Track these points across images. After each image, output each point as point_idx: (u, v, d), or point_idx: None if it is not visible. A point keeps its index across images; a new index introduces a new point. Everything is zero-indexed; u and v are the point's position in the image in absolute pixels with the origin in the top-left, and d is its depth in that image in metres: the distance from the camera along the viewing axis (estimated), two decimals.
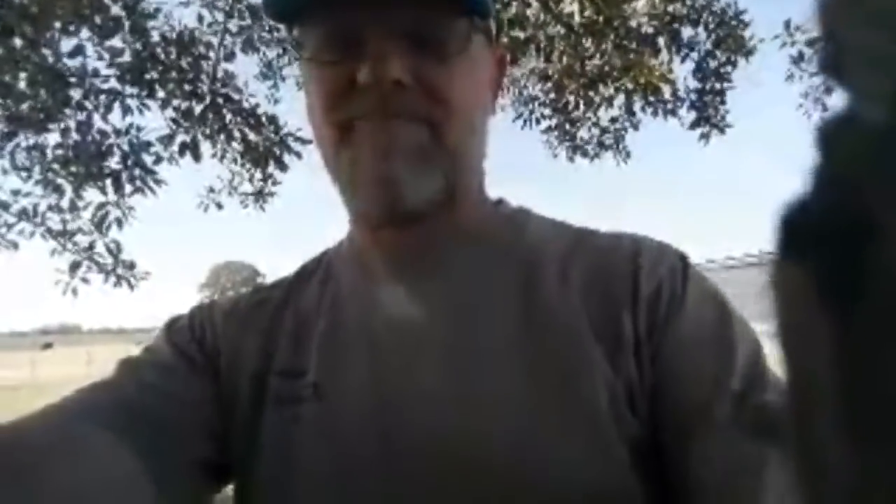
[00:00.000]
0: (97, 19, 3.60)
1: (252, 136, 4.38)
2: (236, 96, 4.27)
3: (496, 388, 0.48)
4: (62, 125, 4.17)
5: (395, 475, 0.47)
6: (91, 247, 4.36)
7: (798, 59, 5.10)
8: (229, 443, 0.53)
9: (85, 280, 4.35)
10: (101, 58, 3.86)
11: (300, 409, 0.52)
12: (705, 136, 5.21)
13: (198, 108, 4.13)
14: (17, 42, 3.57)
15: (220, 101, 4.17)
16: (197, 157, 4.14)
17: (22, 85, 3.80)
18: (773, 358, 0.47)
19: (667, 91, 5.07)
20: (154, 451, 0.46)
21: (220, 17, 4.36)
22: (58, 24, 3.63)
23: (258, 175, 4.66)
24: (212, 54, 4.24)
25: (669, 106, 5.22)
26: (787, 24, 5.03)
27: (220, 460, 0.53)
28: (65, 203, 4.34)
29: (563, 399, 0.47)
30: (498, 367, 0.49)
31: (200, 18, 4.36)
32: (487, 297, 0.53)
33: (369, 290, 0.57)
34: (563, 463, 0.45)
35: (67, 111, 4.09)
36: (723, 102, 5.16)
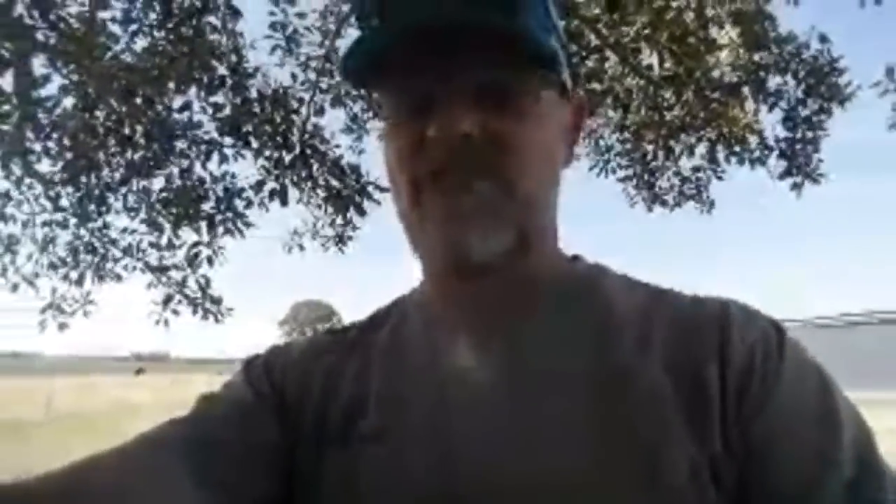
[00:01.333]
0: (204, 78, 4.00)
1: (335, 184, 4.62)
2: (323, 147, 4.55)
3: (564, 454, 0.46)
4: (167, 171, 4.61)
5: None
6: (183, 282, 4.70)
7: None
8: (292, 481, 0.54)
9: (175, 312, 4.67)
10: (204, 112, 4.26)
11: (361, 451, 0.52)
12: (797, 187, 4.92)
13: (287, 158, 4.43)
14: (138, 101, 4.02)
15: (309, 151, 4.46)
16: (285, 202, 4.42)
17: (138, 136, 4.26)
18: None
19: (753, 140, 4.88)
20: (223, 485, 0.48)
21: (311, 75, 4.71)
22: (171, 85, 4.06)
23: (339, 220, 4.88)
24: (303, 109, 4.56)
25: (756, 155, 5.00)
26: (891, 71, 4.72)
27: (283, 499, 0.53)
28: (163, 241, 4.74)
29: (639, 470, 0.44)
30: (567, 433, 0.47)
31: (294, 77, 4.75)
32: (559, 356, 0.51)
33: (437, 340, 0.57)
34: None
35: (172, 159, 4.52)
36: (816, 151, 4.88)
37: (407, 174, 0.52)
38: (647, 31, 4.11)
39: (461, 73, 0.48)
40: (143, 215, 4.82)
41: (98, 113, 4.20)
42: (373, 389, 0.55)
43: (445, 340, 0.56)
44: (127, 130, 4.21)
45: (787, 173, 4.95)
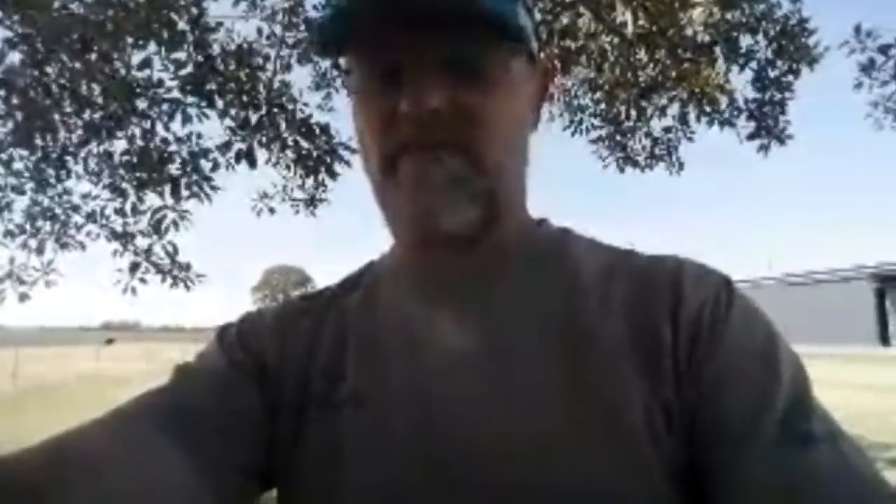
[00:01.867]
0: (164, 33, 3.80)
1: (305, 145, 4.51)
2: (291, 106, 4.41)
3: (536, 414, 0.49)
4: (129, 133, 4.43)
5: (436, 486, 0.48)
6: (149, 249, 4.58)
7: (868, 67, 4.83)
8: (274, 447, 0.55)
9: (143, 280, 4.57)
10: (166, 69, 4.07)
11: (341, 414, 0.53)
12: (764, 148, 5.00)
13: (254, 118, 4.29)
14: (93, 56, 3.81)
15: (276, 110, 4.32)
16: (252, 164, 4.30)
17: (96, 96, 4.05)
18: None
19: (723, 101, 4.91)
20: (205, 455, 0.48)
21: (277, 30, 4.53)
22: (129, 40, 3.85)
23: (310, 182, 4.78)
24: (269, 66, 4.40)
25: (726, 116, 5.05)
26: (857, 30, 4.78)
27: (266, 466, 0.54)
28: (127, 206, 4.59)
29: (601, 420, 0.47)
30: (538, 393, 0.49)
31: (259, 31, 4.56)
32: (529, 319, 0.54)
33: (410, 305, 0.58)
34: (598, 483, 0.45)
35: (134, 119, 4.33)
36: (783, 113, 4.94)
37: (378, 146, 0.52)
38: None
39: (429, 48, 0.48)
40: (105, 180, 4.65)
41: (49, 70, 3.97)
42: (350, 354, 0.57)
43: (418, 306, 0.58)
44: (83, 89, 4.00)
45: (755, 134, 5.02)
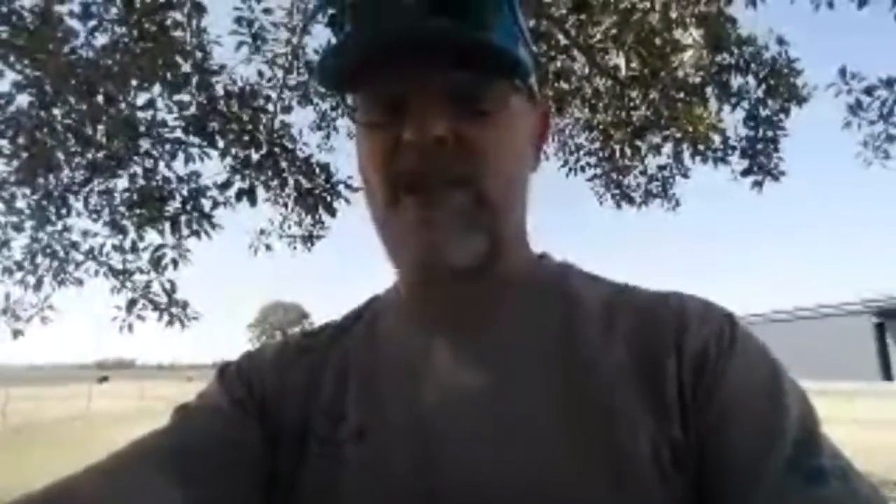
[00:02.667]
0: (168, 76, 3.90)
1: (305, 183, 4.56)
2: (291, 146, 4.49)
3: (537, 449, 0.48)
4: (131, 171, 4.48)
5: None
6: (148, 286, 4.58)
7: (855, 107, 4.95)
8: (273, 483, 0.54)
9: (140, 317, 4.55)
10: (169, 111, 4.16)
11: (342, 451, 0.52)
12: (758, 184, 5.08)
13: (255, 157, 4.35)
14: (99, 98, 3.90)
15: (277, 150, 4.39)
16: (253, 202, 4.34)
17: (99, 136, 4.12)
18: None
19: (716, 139, 5.01)
20: (205, 491, 0.48)
21: (279, 73, 4.65)
22: (134, 82, 3.94)
23: (308, 220, 4.83)
24: (270, 107, 4.49)
25: (719, 154, 5.14)
26: (843, 72, 4.91)
27: (266, 502, 0.54)
28: (127, 244, 4.61)
29: (606, 456, 0.46)
30: (537, 420, 0.49)
31: (261, 74, 4.68)
32: (529, 352, 0.53)
33: (411, 339, 0.58)
34: None
35: (136, 159, 4.40)
36: (776, 150, 5.04)
37: (382, 177, 0.53)
38: (613, 32, 4.18)
39: (434, 79, 0.49)
40: (105, 217, 4.68)
41: (56, 111, 4.05)
42: (351, 390, 0.56)
43: (420, 340, 0.57)
44: (88, 129, 4.07)
45: (748, 171, 5.10)
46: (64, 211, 4.60)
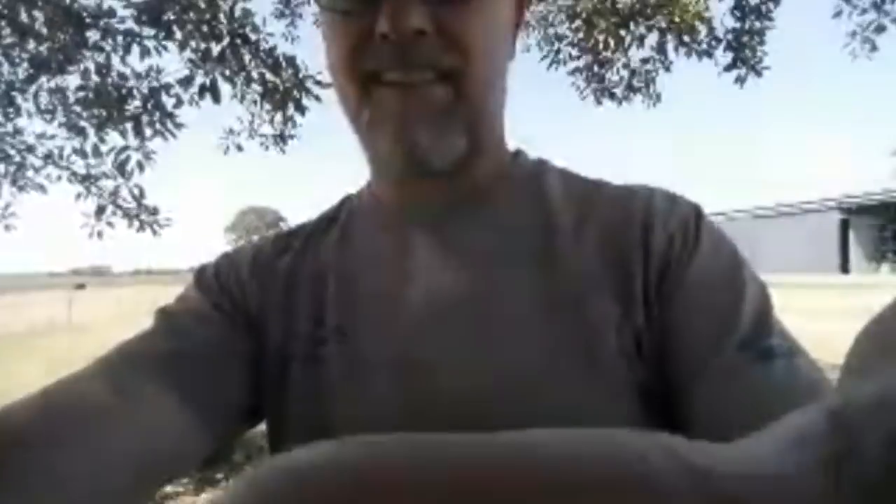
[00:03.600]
0: None
1: (271, 78, 4.30)
2: (254, 36, 4.17)
3: (510, 337, 0.49)
4: (82, 67, 4.15)
5: (416, 410, 0.49)
6: (115, 192, 4.42)
7: None
8: (261, 384, 0.55)
9: (110, 224, 4.44)
10: None
11: (324, 350, 0.53)
12: (741, 80, 4.96)
13: (216, 49, 4.05)
14: None
15: (239, 41, 4.07)
16: (217, 99, 4.09)
17: (39, 24, 3.76)
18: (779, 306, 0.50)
19: (703, 30, 4.82)
20: (196, 396, 0.49)
21: None
22: None
23: (278, 118, 4.61)
24: None
25: (704, 47, 4.97)
26: None
27: (255, 403, 0.55)
28: (88, 147, 4.38)
29: (576, 343, 0.48)
30: (514, 311, 0.50)
31: None
32: (506, 250, 0.54)
33: (389, 238, 0.58)
34: (571, 404, 0.46)
35: (86, 53, 4.05)
36: (761, 43, 4.88)
37: (356, 72, 0.49)
38: None
39: None
40: (60, 118, 4.41)
41: None
42: (330, 291, 0.56)
43: (397, 240, 0.57)
44: (24, 17, 3.70)
45: (732, 65, 4.96)
46: (11, 111, 4.29)
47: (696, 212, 0.53)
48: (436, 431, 0.46)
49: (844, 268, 28.57)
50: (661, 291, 0.49)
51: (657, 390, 0.47)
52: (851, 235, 28.66)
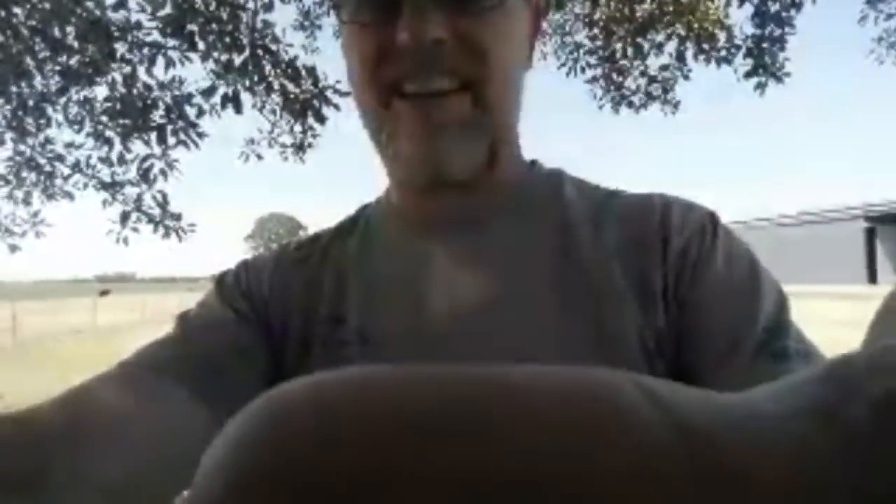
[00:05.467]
0: None
1: (291, 88, 4.37)
2: (275, 47, 4.24)
3: (534, 335, 0.50)
4: (109, 78, 4.27)
5: None
6: (139, 198, 4.52)
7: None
8: None
9: (135, 230, 4.53)
10: (143, 11, 3.89)
11: (345, 352, 0.54)
12: (761, 87, 4.90)
13: (238, 60, 4.13)
14: None
15: (260, 52, 4.16)
16: (238, 109, 4.17)
17: (70, 38, 3.88)
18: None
19: (722, 37, 4.77)
20: (216, 400, 0.49)
21: None
22: None
23: (298, 127, 4.67)
24: (250, 5, 4.20)
25: (723, 53, 4.92)
26: None
27: None
28: (114, 155, 4.49)
29: (598, 346, 0.48)
30: (535, 318, 0.51)
31: None
32: (526, 258, 0.54)
33: (408, 247, 0.58)
34: None
35: (113, 65, 4.17)
36: (782, 49, 4.81)
37: (376, 82, 0.50)
38: None
39: None
40: (88, 128, 4.53)
41: (17, 10, 3.78)
42: (351, 295, 0.57)
43: (417, 247, 0.58)
44: (56, 32, 3.82)
45: (752, 72, 4.90)
46: (43, 122, 4.43)
47: (712, 218, 0.54)
48: None
49: (872, 278, 27.85)
50: (679, 294, 0.50)
51: None
52: (878, 245, 27.94)
